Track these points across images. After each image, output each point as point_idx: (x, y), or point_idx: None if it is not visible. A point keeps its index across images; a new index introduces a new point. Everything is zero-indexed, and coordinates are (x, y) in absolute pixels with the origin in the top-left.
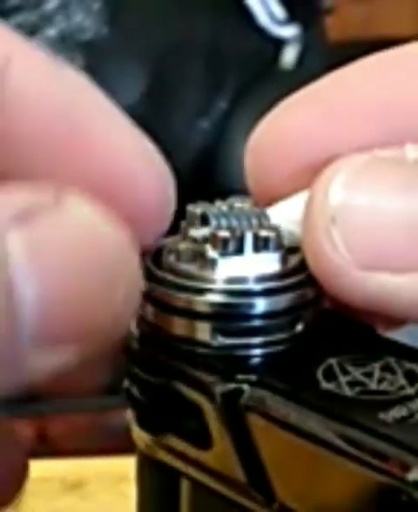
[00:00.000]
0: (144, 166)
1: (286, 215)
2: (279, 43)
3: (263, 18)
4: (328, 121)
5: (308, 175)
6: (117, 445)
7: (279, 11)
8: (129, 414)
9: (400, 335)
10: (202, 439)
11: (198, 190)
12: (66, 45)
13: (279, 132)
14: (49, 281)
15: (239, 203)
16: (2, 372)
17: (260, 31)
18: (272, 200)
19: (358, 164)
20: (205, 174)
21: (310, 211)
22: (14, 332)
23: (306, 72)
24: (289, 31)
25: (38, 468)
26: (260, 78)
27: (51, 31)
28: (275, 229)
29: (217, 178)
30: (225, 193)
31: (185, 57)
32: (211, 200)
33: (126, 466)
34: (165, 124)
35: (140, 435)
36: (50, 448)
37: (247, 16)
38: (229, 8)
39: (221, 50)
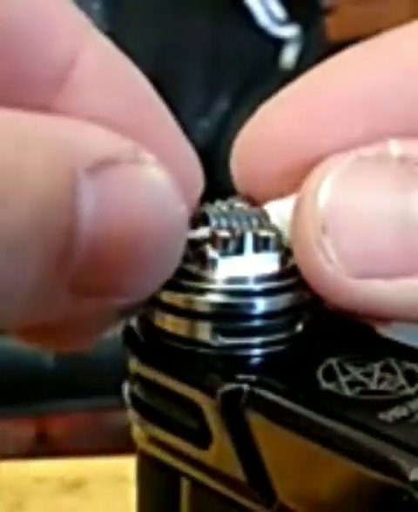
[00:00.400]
0: (186, 172)
1: (275, 215)
2: (279, 43)
3: (263, 18)
4: (308, 120)
5: (296, 177)
6: (117, 445)
7: (279, 11)
8: (130, 414)
9: (399, 335)
10: (202, 438)
11: None
12: None
13: (262, 136)
14: (107, 234)
15: (239, 203)
16: (35, 304)
17: (260, 31)
18: (260, 204)
19: (343, 167)
20: (205, 174)
21: (299, 219)
22: (63, 270)
23: (306, 72)
24: (289, 31)
25: (38, 467)
26: (260, 78)
27: None
28: (275, 229)
29: (217, 178)
30: (225, 193)
31: (185, 57)
32: (211, 200)
33: (126, 466)
34: None
35: (141, 435)
36: (50, 448)
37: (247, 16)
38: (229, 8)
39: (221, 50)
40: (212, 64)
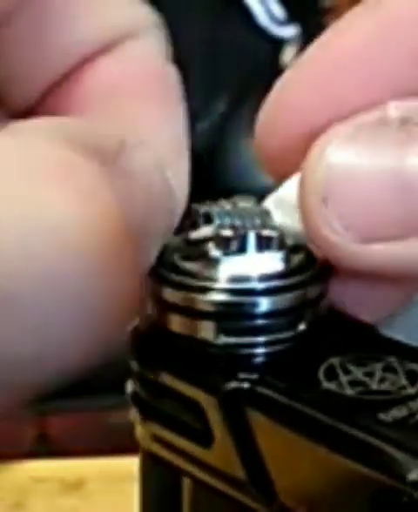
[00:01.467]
0: None
1: (282, 201)
2: (279, 43)
3: (262, 18)
4: (312, 85)
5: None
6: (118, 445)
7: (279, 11)
8: (132, 413)
9: (397, 332)
10: (204, 437)
11: (198, 190)
12: None
13: (279, 110)
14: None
15: (242, 202)
16: None
17: (260, 31)
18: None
19: (342, 135)
20: (204, 175)
21: (302, 191)
22: None
23: None
24: (289, 31)
25: (38, 468)
26: (260, 78)
27: None
28: (278, 228)
29: (217, 178)
30: (225, 194)
31: (184, 56)
32: (211, 200)
33: (126, 466)
34: None
35: (143, 434)
36: (50, 448)
37: (247, 15)
38: (229, 8)
39: (221, 50)
40: (211, 64)
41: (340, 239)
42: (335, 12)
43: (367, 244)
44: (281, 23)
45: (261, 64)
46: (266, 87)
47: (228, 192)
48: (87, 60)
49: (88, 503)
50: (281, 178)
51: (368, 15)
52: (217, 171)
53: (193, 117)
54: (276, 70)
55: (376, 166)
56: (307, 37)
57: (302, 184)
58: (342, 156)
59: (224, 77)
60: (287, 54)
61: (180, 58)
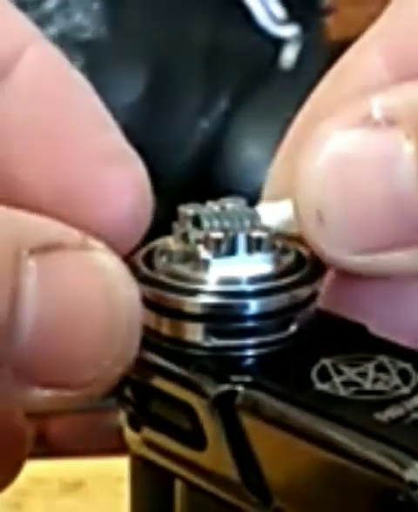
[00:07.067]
0: (118, 174)
1: (277, 217)
2: (279, 43)
3: (263, 18)
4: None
5: None
6: (117, 445)
7: (279, 11)
8: (122, 417)
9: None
10: (196, 440)
11: (198, 189)
12: (66, 45)
13: None
14: (52, 319)
15: (231, 204)
16: None
17: (260, 31)
18: None
19: (331, 146)
20: (204, 174)
21: (298, 210)
22: (5, 355)
23: (306, 72)
24: (289, 31)
25: (38, 468)
26: (260, 78)
27: (51, 31)
28: (268, 230)
29: (217, 177)
30: (224, 193)
31: (184, 56)
32: (204, 201)
33: (125, 466)
34: (165, 124)
35: (133, 437)
36: (49, 448)
37: (247, 16)
38: (229, 8)
39: (221, 49)
40: (211, 63)
41: (339, 253)
42: (335, 12)
43: (364, 255)
44: (281, 23)
45: (262, 63)
46: (267, 86)
47: (228, 191)
48: None
49: (87, 504)
50: None
51: None
52: (218, 170)
53: (195, 115)
54: (276, 70)
55: (367, 183)
56: (307, 37)
57: (297, 202)
58: (333, 172)
59: (224, 76)
60: (287, 54)
61: (181, 58)
